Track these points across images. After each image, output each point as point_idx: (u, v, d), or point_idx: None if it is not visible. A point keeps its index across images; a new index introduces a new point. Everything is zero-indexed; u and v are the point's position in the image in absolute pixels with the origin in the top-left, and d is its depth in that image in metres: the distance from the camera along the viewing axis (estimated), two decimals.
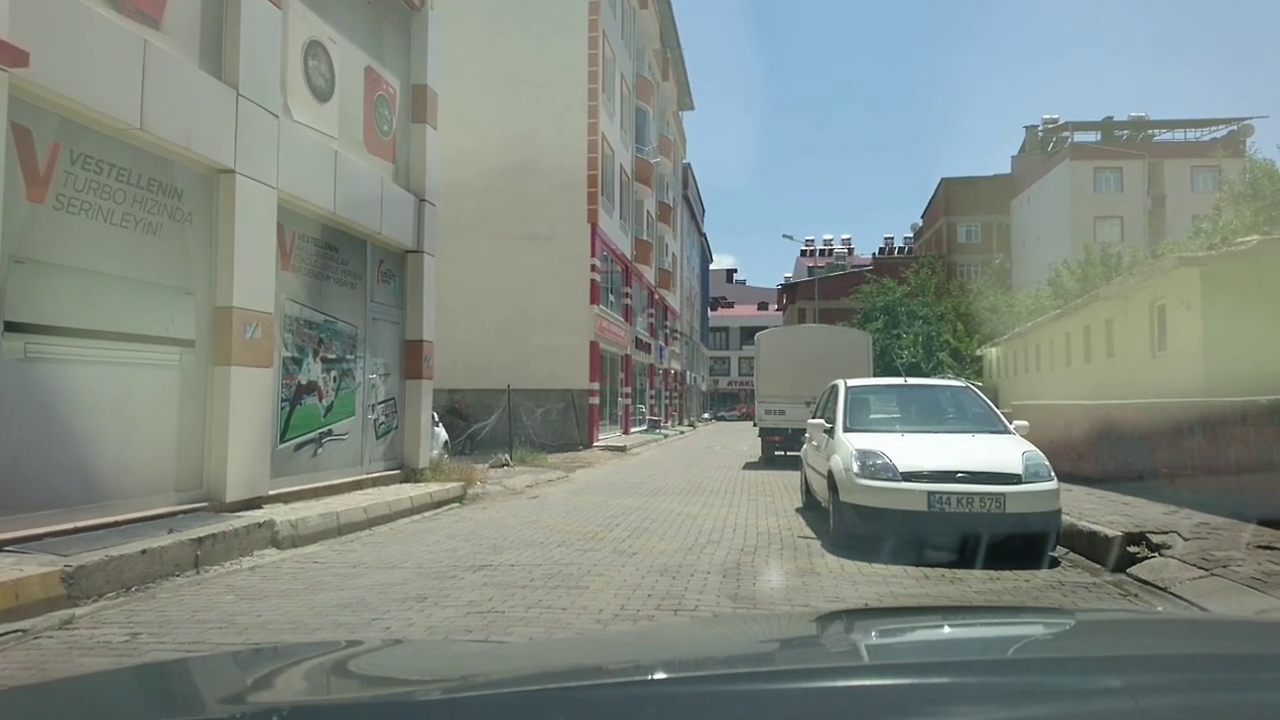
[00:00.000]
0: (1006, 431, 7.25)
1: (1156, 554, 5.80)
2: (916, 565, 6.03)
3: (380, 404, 11.08)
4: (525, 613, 4.80)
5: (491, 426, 19.95)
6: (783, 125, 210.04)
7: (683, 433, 38.72)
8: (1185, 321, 10.35)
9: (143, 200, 7.06)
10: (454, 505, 10.54)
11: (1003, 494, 6.13)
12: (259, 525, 7.13)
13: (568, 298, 23.16)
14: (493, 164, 23.21)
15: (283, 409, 8.96)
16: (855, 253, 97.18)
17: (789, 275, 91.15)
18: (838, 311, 45.53)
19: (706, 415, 67.90)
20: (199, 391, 7.74)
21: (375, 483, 10.54)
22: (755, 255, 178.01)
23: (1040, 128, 57.17)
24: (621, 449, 22.69)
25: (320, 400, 9.73)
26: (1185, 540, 5.94)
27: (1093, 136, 52.69)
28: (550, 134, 23.41)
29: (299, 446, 9.28)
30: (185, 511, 7.38)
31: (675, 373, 46.77)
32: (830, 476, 7.11)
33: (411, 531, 8.31)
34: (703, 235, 66.17)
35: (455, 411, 21.16)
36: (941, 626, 1.70)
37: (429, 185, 12.09)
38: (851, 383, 8.39)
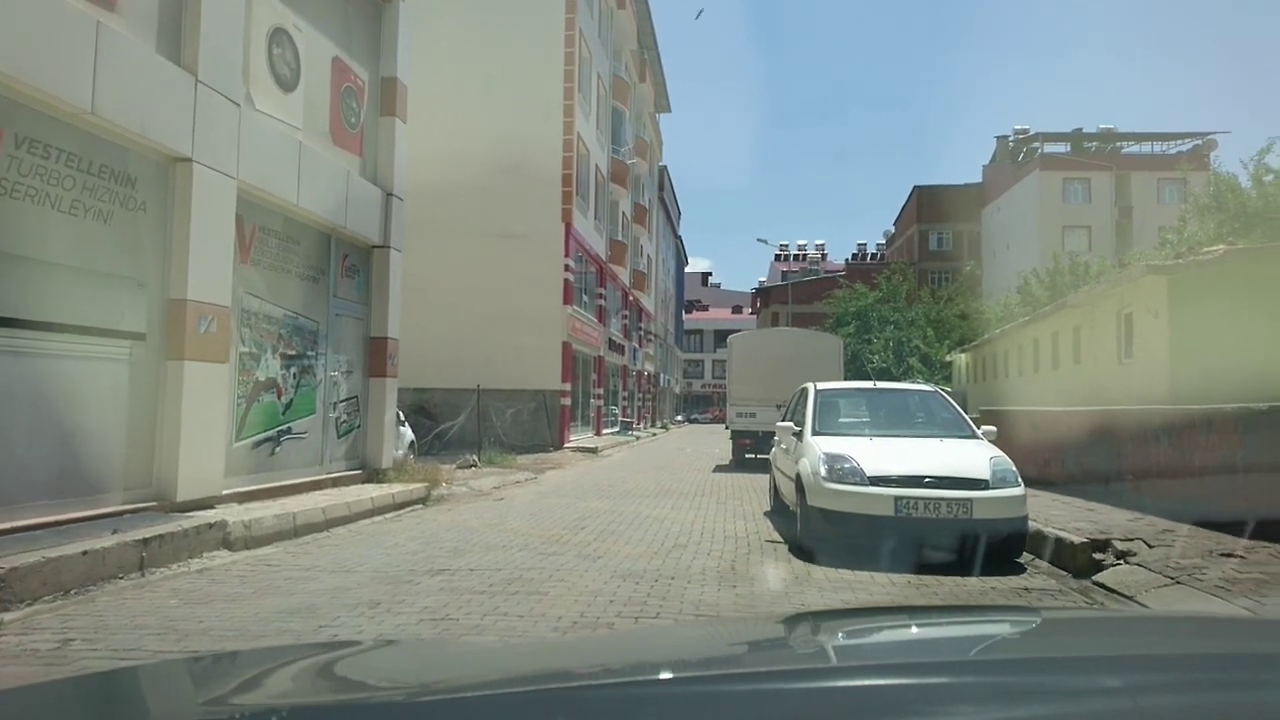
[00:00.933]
0: (974, 437, 7.22)
1: (1122, 561, 5.78)
2: (882, 571, 5.96)
3: (342, 402, 10.83)
4: (480, 620, 4.63)
5: (460, 427, 19.68)
6: (760, 130, 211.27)
7: (655, 435, 38.64)
8: (1152, 329, 10.45)
9: (93, 188, 6.79)
10: (417, 506, 10.32)
11: (970, 499, 6.08)
12: (210, 526, 6.88)
13: (541, 297, 22.95)
14: (467, 161, 22.92)
15: (239, 406, 8.70)
16: (829, 258, 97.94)
17: (763, 279, 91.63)
18: (811, 316, 45.77)
19: (679, 418, 67.91)
20: (150, 387, 7.47)
21: (336, 483, 10.29)
22: (731, 259, 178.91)
23: (1011, 138, 58.01)
24: (593, 451, 22.53)
25: (279, 397, 9.47)
26: (1150, 547, 5.93)
27: (1062, 147, 53.56)
28: (526, 133, 23.19)
29: (256, 445, 9.02)
30: (133, 511, 7.11)
31: (648, 375, 46.69)
32: (798, 480, 7.03)
33: (371, 533, 8.10)
34: (678, 238, 66.24)
35: (423, 411, 20.87)
36: (941, 626, 1.70)
37: (397, 179, 11.86)
38: (821, 386, 8.33)
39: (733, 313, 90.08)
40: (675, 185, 61.59)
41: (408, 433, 15.89)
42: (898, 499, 6.14)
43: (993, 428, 7.35)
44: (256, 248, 9.06)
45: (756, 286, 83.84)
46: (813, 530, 6.59)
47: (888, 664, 1.26)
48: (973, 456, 6.54)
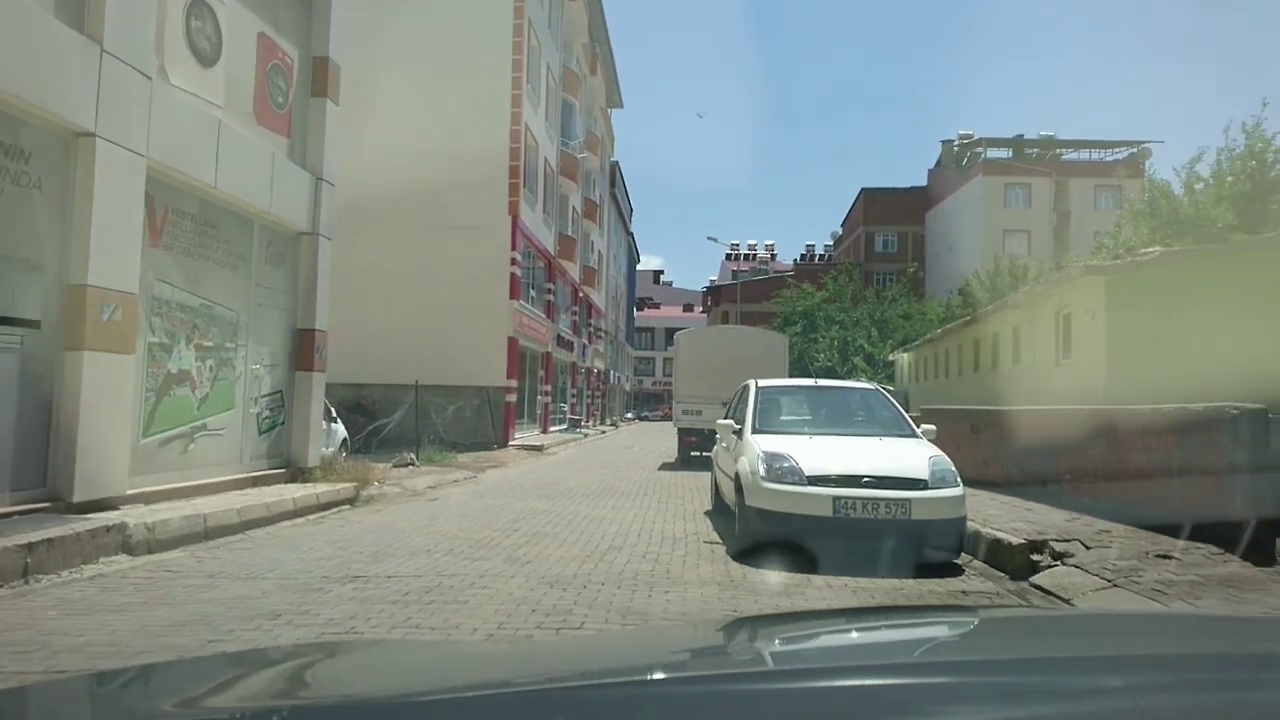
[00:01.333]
0: (914, 435, 7.11)
1: (1059, 562, 5.70)
2: (820, 573, 5.78)
3: (265, 397, 10.27)
4: (388, 634, 4.29)
5: (397, 423, 19.07)
6: (714, 130, 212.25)
7: (604, 432, 38.31)
8: (1089, 330, 10.55)
9: None
10: (344, 508, 9.86)
11: (908, 500, 5.95)
12: (108, 529, 6.36)
13: (486, 291, 22.43)
14: (412, 150, 22.25)
15: (147, 400, 8.13)
16: (778, 258, 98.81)
17: (715, 278, 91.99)
18: (759, 315, 46.01)
19: (630, 415, 67.74)
20: (44, 378, 6.90)
21: (256, 482, 9.75)
22: (683, 257, 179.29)
23: (956, 143, 59.17)
24: (538, 448, 22.12)
25: (193, 391, 8.91)
26: (1087, 548, 5.87)
27: (1004, 153, 54.83)
28: (472, 122, 22.63)
29: (166, 442, 8.45)
30: (22, 513, 6.53)
31: (598, 372, 46.35)
32: (736, 479, 6.83)
33: (289, 536, 7.64)
34: (630, 234, 65.97)
35: (360, 408, 20.19)
36: (940, 626, 1.69)
37: (328, 164, 11.33)
38: (762, 383, 8.15)
39: (684, 311, 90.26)
40: (628, 182, 61.34)
41: (340, 430, 15.32)
42: (836, 499, 5.97)
43: (932, 427, 7.25)
44: (169, 231, 8.49)
45: (708, 285, 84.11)
46: (751, 531, 6.39)
47: (887, 664, 1.25)
48: (912, 456, 6.42)
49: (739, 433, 7.39)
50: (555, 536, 7.40)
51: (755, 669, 1.27)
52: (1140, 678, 1.06)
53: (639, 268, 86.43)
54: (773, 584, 5.59)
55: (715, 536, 7.54)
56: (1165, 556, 5.56)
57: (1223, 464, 5.85)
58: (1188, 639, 1.47)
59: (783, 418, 7.66)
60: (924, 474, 6.13)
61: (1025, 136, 55.44)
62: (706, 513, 9.16)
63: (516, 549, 6.75)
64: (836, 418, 7.72)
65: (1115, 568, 5.38)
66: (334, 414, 14.78)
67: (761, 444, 6.67)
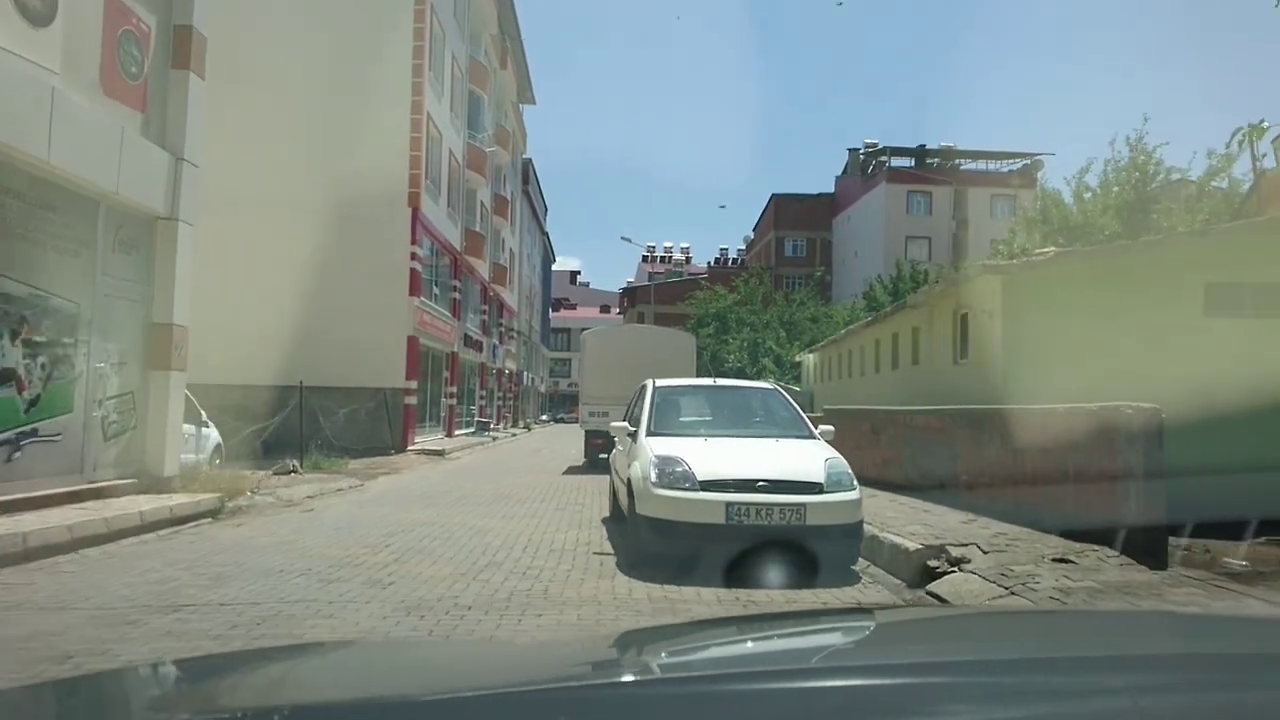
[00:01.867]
0: (812, 436, 6.81)
1: (956, 569, 5.48)
2: (712, 586, 5.38)
3: (112, 399, 9.19)
4: None
5: (277, 427, 17.85)
6: (633, 133, 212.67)
7: (515, 435, 37.41)
8: (986, 330, 10.61)
9: None
10: (205, 521, 8.92)
11: (803, 504, 5.61)
12: None
13: (383, 287, 21.31)
14: (301, 136, 20.96)
15: None
16: (693, 261, 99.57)
17: (631, 280, 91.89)
18: (674, 316, 45.93)
19: (545, 417, 66.75)
20: None
21: (101, 494, 8.69)
22: (601, 259, 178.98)
23: (861, 151, 60.79)
24: (439, 453, 21.18)
25: (20, 392, 7.83)
26: (984, 553, 5.67)
27: (908, 162, 56.63)
28: (370, 108, 21.48)
29: None
30: None
31: (510, 373, 45.34)
32: (628, 485, 6.37)
33: (128, 555, 6.75)
34: (545, 234, 65.06)
35: (244, 411, 18.79)
36: (940, 626, 1.69)
37: (191, 142, 10.29)
38: (660, 383, 7.73)
39: (601, 312, 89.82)
40: (545, 182, 60.48)
41: (213, 435, 14.14)
42: (729, 505, 5.58)
43: (830, 428, 6.99)
44: None
45: (624, 287, 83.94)
46: (641, 542, 5.94)
47: (887, 664, 1.24)
48: (808, 458, 6.10)
49: (634, 435, 6.94)
50: (429, 553, 6.75)
51: (756, 669, 1.26)
52: (1140, 678, 1.05)
53: (556, 268, 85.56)
54: (658, 600, 5.14)
55: (608, 547, 7.06)
56: (1062, 560, 5.40)
57: (1117, 465, 5.76)
58: (1188, 639, 1.46)
59: (679, 419, 7.26)
60: (819, 477, 5.81)
61: (927, 146, 57.42)
62: (604, 520, 8.68)
63: (382, 568, 6.08)
64: (735, 419, 7.38)
65: (1012, 574, 5.17)
66: (205, 418, 13.59)
67: (655, 447, 6.23)
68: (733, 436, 6.71)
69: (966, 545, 5.85)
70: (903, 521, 7.01)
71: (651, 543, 5.82)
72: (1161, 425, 5.57)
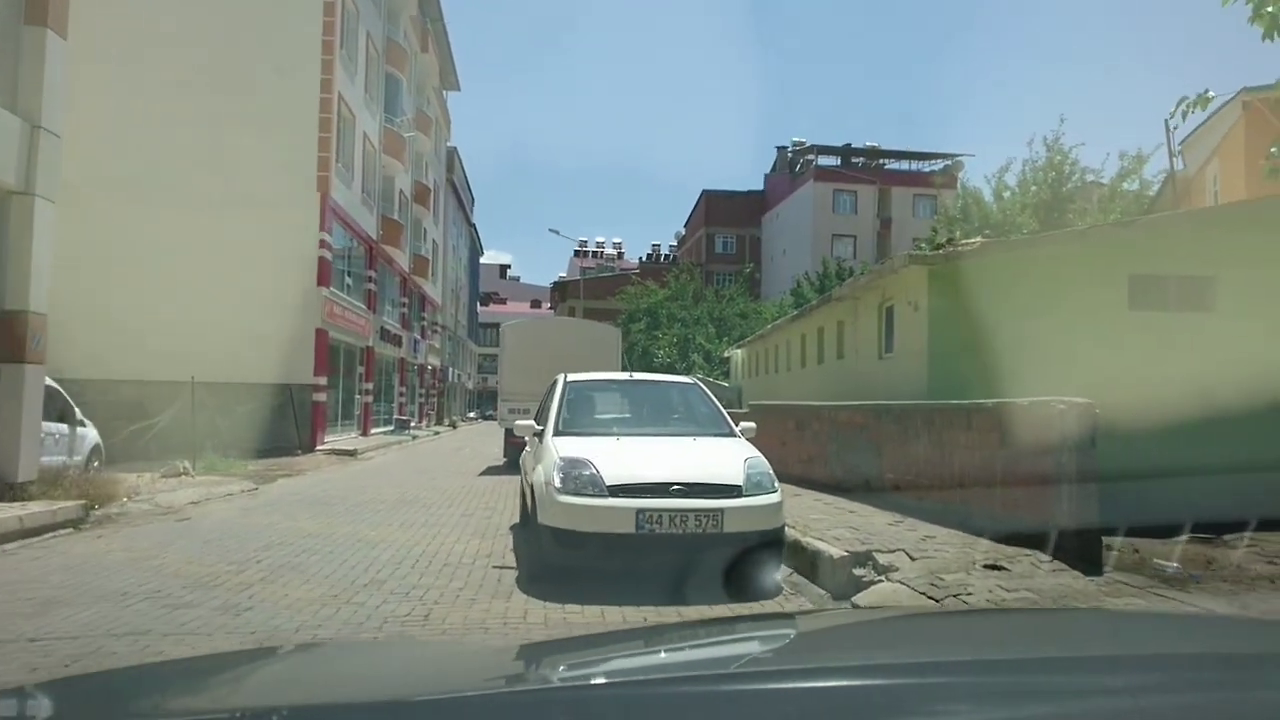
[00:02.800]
0: (732, 434, 6.31)
1: (884, 577, 5.05)
2: (619, 604, 4.81)
3: None
4: None
5: (167, 426, 16.49)
6: (566, 126, 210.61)
7: (438, 433, 36.16)
8: (912, 322, 10.36)
9: None
10: (65, 532, 7.93)
11: (719, 510, 5.09)
12: None
13: (290, 276, 20.03)
14: (201, 112, 19.48)
15: None
16: (625, 256, 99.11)
17: (563, 274, 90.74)
18: (605, 311, 45.29)
19: (472, 414, 65.19)
20: None
21: None
22: (532, 254, 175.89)
23: (790, 149, 61.33)
24: (351, 453, 20.06)
25: None
26: (912, 560, 5.26)
27: (834, 160, 57.36)
28: (274, 84, 20.12)
29: None
30: None
31: (434, 369, 43.92)
32: (532, 491, 5.75)
33: None
34: (472, 226, 63.47)
35: (133, 408, 17.33)
36: (940, 626, 1.70)
37: (49, 109, 9.14)
38: (572, 378, 7.11)
39: (532, 306, 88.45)
40: (476, 176, 58.91)
41: (90, 435, 12.86)
42: (640, 512, 5.02)
43: (752, 425, 6.50)
44: None
45: (555, 281, 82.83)
46: (545, 555, 5.32)
47: (887, 664, 1.23)
48: (727, 458, 5.59)
49: (540, 435, 6.31)
50: (305, 569, 5.98)
51: (756, 669, 1.26)
52: (1140, 678, 1.06)
53: (485, 261, 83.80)
54: (556, 625, 4.55)
55: (511, 559, 6.42)
56: (994, 567, 5.03)
57: (1049, 464, 5.43)
58: (1188, 639, 1.47)
59: (591, 417, 6.68)
60: (738, 479, 5.30)
61: (853, 146, 58.30)
62: (513, 527, 8.01)
63: (243, 589, 5.30)
64: (652, 416, 6.83)
65: (943, 583, 4.77)
66: (79, 416, 12.34)
67: (561, 448, 5.62)
68: (648, 435, 6.16)
69: (894, 551, 5.44)
70: (827, 524, 6.59)
71: (555, 555, 5.21)
72: (1096, 421, 5.27)
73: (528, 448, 7.15)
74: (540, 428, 6.41)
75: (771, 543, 5.28)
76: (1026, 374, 8.04)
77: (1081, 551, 5.13)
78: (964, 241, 10.58)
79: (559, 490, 5.21)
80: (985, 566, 5.04)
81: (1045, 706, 0.98)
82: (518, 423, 6.92)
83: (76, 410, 12.28)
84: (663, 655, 1.42)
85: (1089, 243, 9.87)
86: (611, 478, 5.18)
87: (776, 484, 5.49)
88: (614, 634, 2.09)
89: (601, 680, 1.19)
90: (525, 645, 2.03)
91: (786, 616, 2.75)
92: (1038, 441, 5.52)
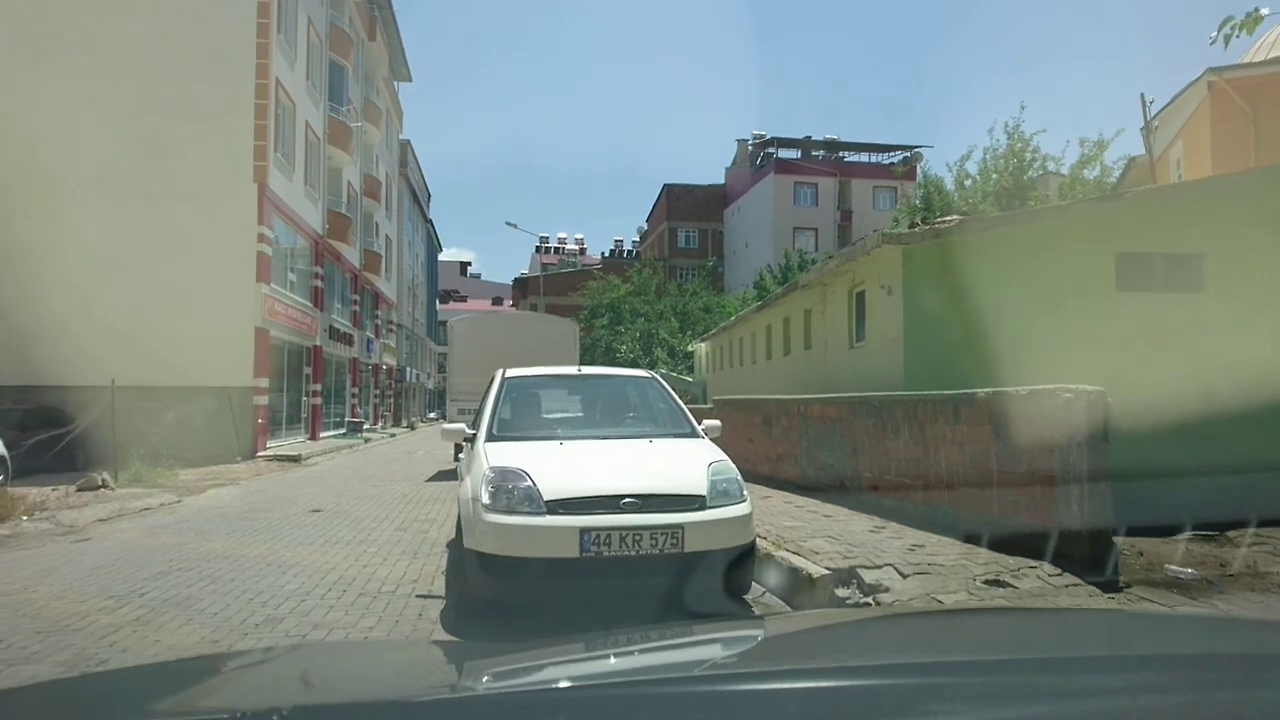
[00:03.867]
0: (694, 435, 5.53)
1: (872, 599, 4.33)
2: (563, 643, 4.00)
3: None
4: None
5: (81, 435, 15.25)
6: (527, 122, 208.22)
7: (393, 435, 34.90)
8: (885, 308, 9.67)
9: None
10: None
11: (679, 526, 4.32)
12: None
13: (225, 273, 18.78)
14: (124, 103, 18.21)
15: None
16: (588, 252, 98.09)
17: (525, 271, 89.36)
18: (567, 307, 44.36)
19: (433, 415, 63.70)
20: None
21: None
22: (493, 251, 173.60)
23: (750, 142, 60.92)
24: (295, 459, 18.95)
25: None
26: (904, 577, 4.55)
27: (794, 153, 57.07)
28: (204, 70, 18.87)
29: None
30: None
31: (389, 369, 42.59)
32: (460, 509, 4.93)
33: None
34: (429, 222, 61.94)
35: (49, 417, 16.02)
36: (940, 626, 1.67)
37: None
38: (511, 373, 6.26)
39: (493, 304, 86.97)
40: (433, 173, 57.44)
41: None
42: (585, 532, 4.22)
43: (716, 423, 5.73)
44: None
45: (517, 278, 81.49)
46: (473, 586, 4.48)
47: (888, 664, 1.23)
48: (688, 463, 4.82)
49: (472, 440, 5.47)
50: (193, 604, 5.07)
51: (755, 669, 1.25)
52: (1140, 678, 1.06)
53: (445, 259, 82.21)
54: None
55: (440, 585, 5.57)
56: (998, 583, 4.33)
57: (1053, 460, 4.76)
58: (1188, 639, 1.45)
59: (531, 419, 5.86)
60: (701, 488, 4.53)
61: (813, 138, 58.06)
62: (450, 543, 7.16)
63: (110, 634, 4.39)
64: (603, 416, 6.02)
65: (941, 606, 4.05)
66: None
67: (492, 456, 4.79)
68: (597, 439, 5.34)
69: (881, 567, 4.72)
70: (803, 533, 5.86)
71: (484, 587, 4.38)
72: (1108, 412, 4.61)
73: (461, 455, 6.31)
74: (471, 432, 5.57)
75: (740, 563, 4.51)
76: (1011, 361, 7.41)
77: (1092, 558, 4.47)
78: (940, 219, 9.89)
79: (487, 508, 4.38)
80: (987, 582, 4.34)
81: (1045, 706, 0.97)
82: (444, 426, 6.05)
83: None
84: (662, 656, 1.42)
85: (1073, 218, 9.27)
86: (551, 491, 4.37)
87: (745, 491, 4.72)
88: (614, 635, 1.92)
89: (601, 681, 1.19)
90: (525, 645, 2.03)
91: (786, 617, 2.58)
92: (1039, 436, 4.85)
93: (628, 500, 4.35)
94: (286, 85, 21.44)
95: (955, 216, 9.74)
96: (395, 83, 41.23)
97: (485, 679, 1.22)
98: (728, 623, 2.52)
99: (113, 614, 4.86)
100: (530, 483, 4.44)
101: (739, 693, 1.01)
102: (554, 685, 1.12)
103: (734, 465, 4.90)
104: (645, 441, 5.22)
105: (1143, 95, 16.42)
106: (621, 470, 4.65)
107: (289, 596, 5.22)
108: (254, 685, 1.24)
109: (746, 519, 4.61)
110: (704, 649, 1.47)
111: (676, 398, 6.05)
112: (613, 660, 1.38)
